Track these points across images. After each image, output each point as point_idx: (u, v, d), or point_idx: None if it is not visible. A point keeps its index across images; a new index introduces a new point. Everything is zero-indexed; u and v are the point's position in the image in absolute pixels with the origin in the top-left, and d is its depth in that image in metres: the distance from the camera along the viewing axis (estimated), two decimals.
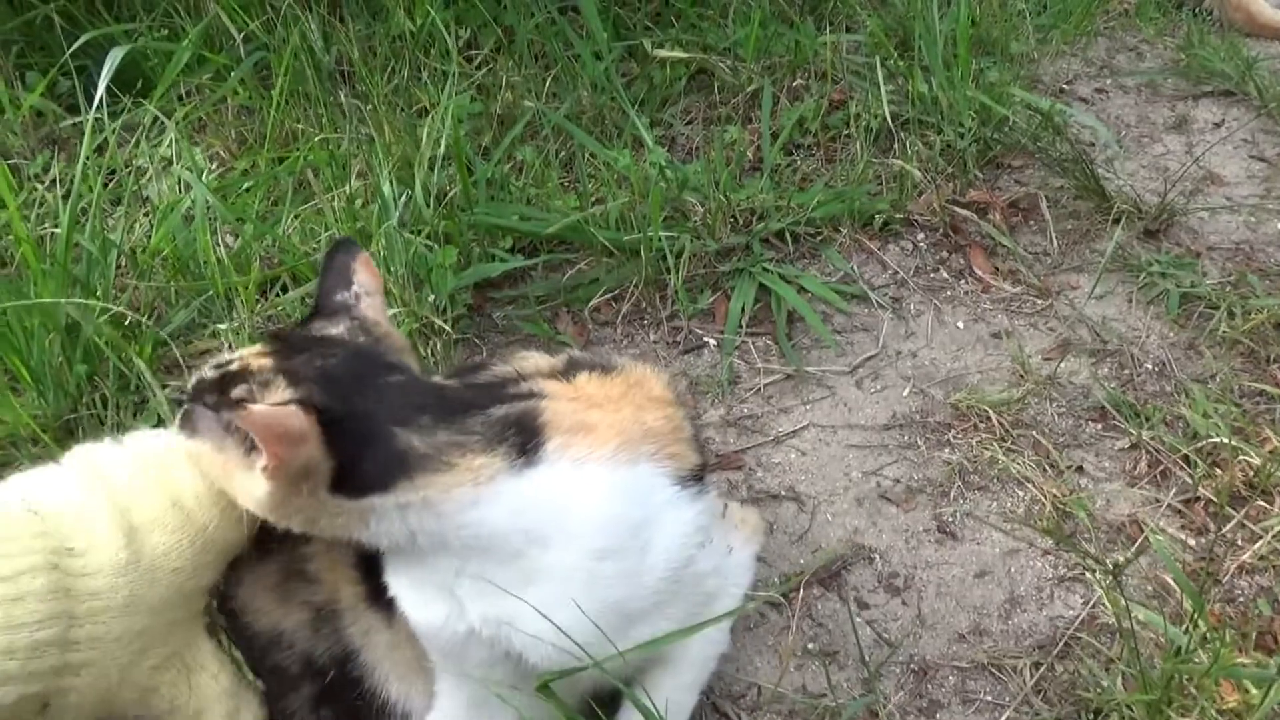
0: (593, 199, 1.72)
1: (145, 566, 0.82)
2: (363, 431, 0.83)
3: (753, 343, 1.60)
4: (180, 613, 0.86)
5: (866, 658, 1.17)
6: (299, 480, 0.80)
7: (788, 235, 1.77)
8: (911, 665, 1.17)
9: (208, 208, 1.50)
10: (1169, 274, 1.72)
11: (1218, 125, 2.23)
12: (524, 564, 0.85)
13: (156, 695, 0.86)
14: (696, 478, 0.95)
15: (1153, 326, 1.65)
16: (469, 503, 0.83)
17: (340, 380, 0.85)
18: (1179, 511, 1.34)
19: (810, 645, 1.19)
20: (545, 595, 0.84)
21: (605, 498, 0.87)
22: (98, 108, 1.62)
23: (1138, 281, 1.72)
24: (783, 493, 1.38)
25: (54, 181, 1.80)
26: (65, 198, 1.63)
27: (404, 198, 1.55)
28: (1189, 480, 1.36)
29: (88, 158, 1.56)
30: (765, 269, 1.68)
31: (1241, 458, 1.37)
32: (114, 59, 1.56)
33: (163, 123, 1.81)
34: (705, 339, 1.61)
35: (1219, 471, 1.36)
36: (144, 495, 0.86)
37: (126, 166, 1.75)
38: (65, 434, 1.30)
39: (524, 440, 0.86)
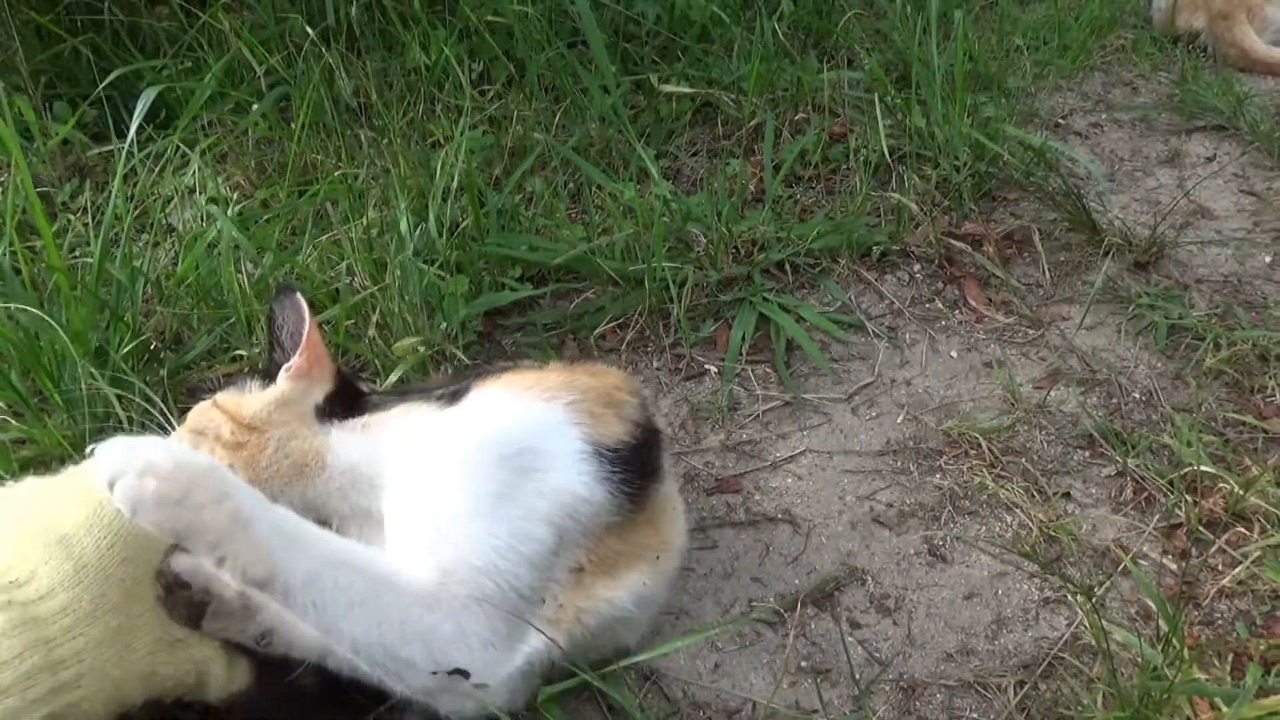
0: (599, 230, 1.78)
1: (94, 569, 0.81)
2: (351, 389, 1.13)
3: (752, 370, 1.66)
4: (149, 599, 0.86)
5: (858, 676, 1.21)
6: (309, 389, 1.07)
7: (788, 266, 1.83)
8: (901, 683, 1.22)
9: (232, 239, 1.56)
10: (1158, 306, 1.78)
11: (1209, 159, 2.29)
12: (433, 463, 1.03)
13: (157, 676, 0.87)
14: (625, 460, 1.03)
15: (1141, 357, 1.70)
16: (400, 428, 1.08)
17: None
18: (1162, 537, 1.38)
19: (804, 663, 1.24)
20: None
21: (500, 411, 1.05)
22: (124, 138, 1.70)
23: (1127, 313, 1.78)
24: (779, 516, 1.43)
25: (82, 209, 1.87)
26: (92, 225, 1.70)
27: (418, 229, 1.62)
28: (1171, 507, 1.41)
29: (114, 186, 1.64)
30: (765, 299, 1.75)
31: (1222, 485, 1.41)
32: (148, 98, 1.63)
33: (185, 152, 1.89)
34: (706, 366, 1.67)
35: (1197, 499, 1.41)
36: (54, 507, 0.87)
37: (152, 195, 1.82)
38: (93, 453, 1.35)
39: (454, 395, 1.09)
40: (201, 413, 1.09)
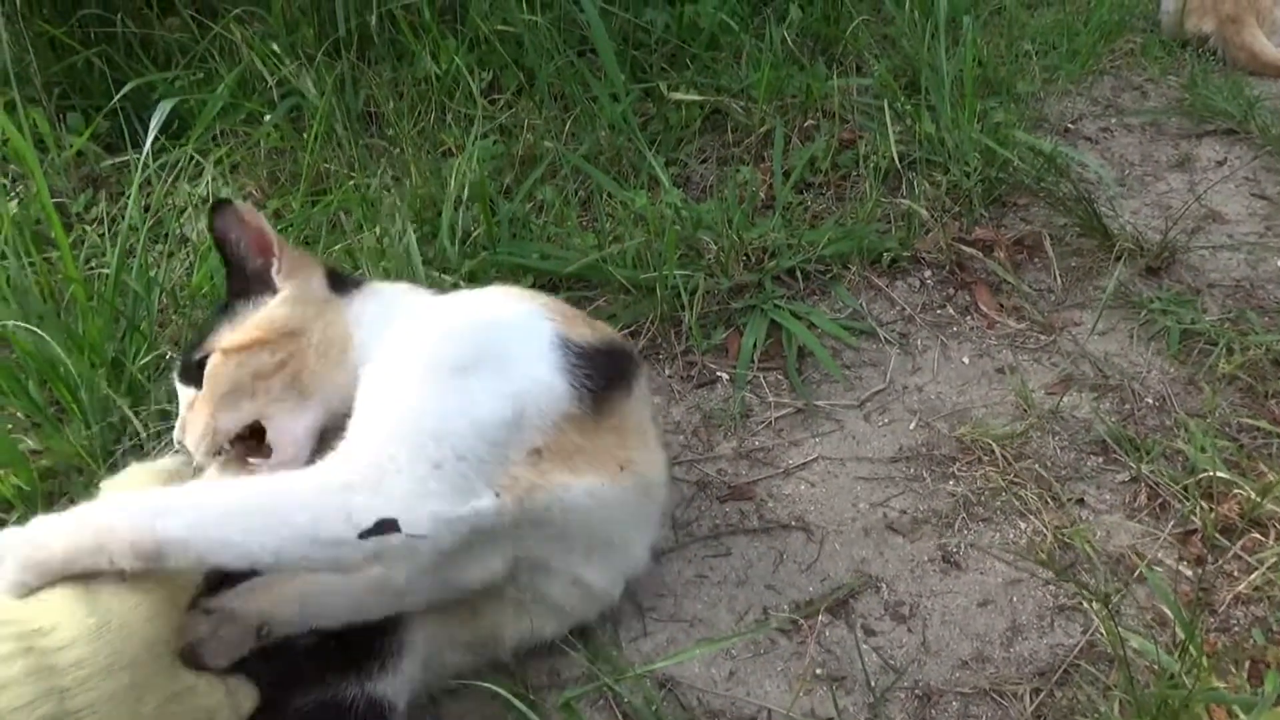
0: (610, 238, 1.79)
1: (116, 625, 0.82)
2: (339, 271, 1.19)
3: (764, 377, 1.66)
4: (165, 658, 0.87)
5: (873, 683, 1.21)
6: (308, 279, 1.11)
7: (798, 273, 1.83)
8: (916, 691, 1.22)
9: None
10: (1170, 311, 1.77)
11: (1220, 163, 2.28)
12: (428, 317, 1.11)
13: None
14: (589, 359, 1.07)
15: (1153, 362, 1.70)
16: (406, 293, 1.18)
17: None
18: (1177, 543, 1.38)
19: (819, 671, 1.23)
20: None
21: (482, 300, 1.14)
22: (138, 149, 1.72)
23: (1139, 318, 1.77)
24: (792, 523, 1.43)
25: (97, 220, 1.89)
26: (107, 236, 1.72)
27: (432, 238, 1.63)
28: (1186, 513, 1.41)
29: (130, 197, 1.65)
30: (776, 306, 1.75)
31: (1237, 491, 1.41)
32: (162, 111, 1.65)
33: (199, 162, 1.90)
34: (718, 373, 1.67)
35: (1213, 505, 1.40)
36: None
37: (166, 205, 1.84)
38: (110, 463, 1.36)
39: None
40: (217, 369, 1.05)
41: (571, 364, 1.06)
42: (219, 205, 1.13)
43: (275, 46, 2.05)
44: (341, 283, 1.16)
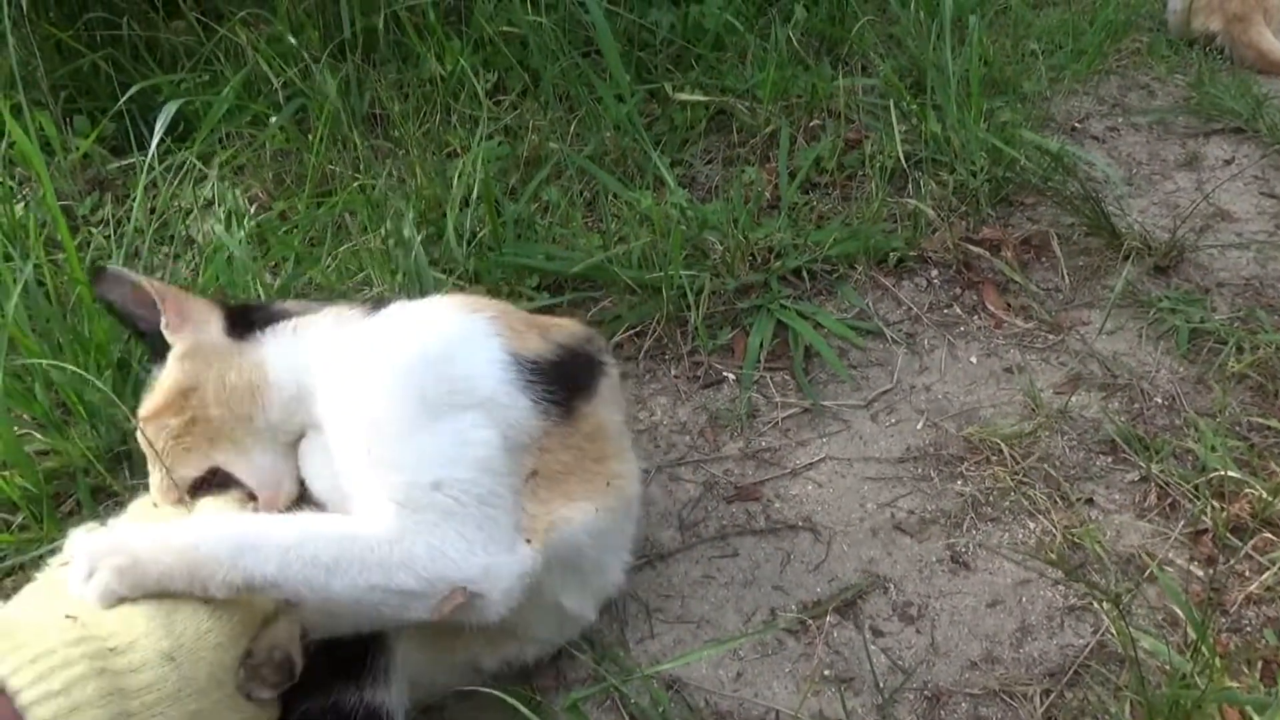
0: (616, 238, 1.78)
1: (188, 650, 0.84)
2: (247, 308, 1.14)
3: (771, 378, 1.65)
4: (228, 686, 0.88)
5: (881, 684, 1.20)
6: (200, 330, 1.08)
7: (805, 273, 1.83)
8: (925, 692, 1.21)
9: (249, 250, 1.57)
10: (1178, 310, 1.76)
11: (1228, 162, 2.27)
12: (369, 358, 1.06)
13: None
14: (544, 372, 1.05)
15: (1162, 361, 1.69)
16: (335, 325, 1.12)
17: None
18: (1187, 543, 1.37)
19: (827, 672, 1.23)
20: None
21: (423, 323, 1.08)
22: (143, 151, 1.72)
23: (1148, 317, 1.76)
24: (800, 523, 1.42)
25: (103, 222, 1.89)
26: (114, 238, 1.72)
27: (437, 239, 1.62)
28: (1196, 512, 1.40)
29: (136, 200, 1.65)
30: (783, 306, 1.74)
31: (1249, 490, 1.40)
32: (168, 113, 1.65)
33: (204, 164, 1.90)
34: (724, 374, 1.66)
35: (1224, 504, 1.39)
36: None
37: (172, 208, 1.84)
38: (115, 464, 1.36)
39: (378, 303, 1.14)
40: (145, 438, 1.07)
41: (527, 380, 1.04)
42: (96, 274, 1.14)
43: (292, 40, 2.04)
44: (247, 324, 1.11)
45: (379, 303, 1.14)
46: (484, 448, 1.00)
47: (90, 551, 0.85)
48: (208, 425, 1.05)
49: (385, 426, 1.00)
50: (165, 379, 1.07)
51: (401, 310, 1.11)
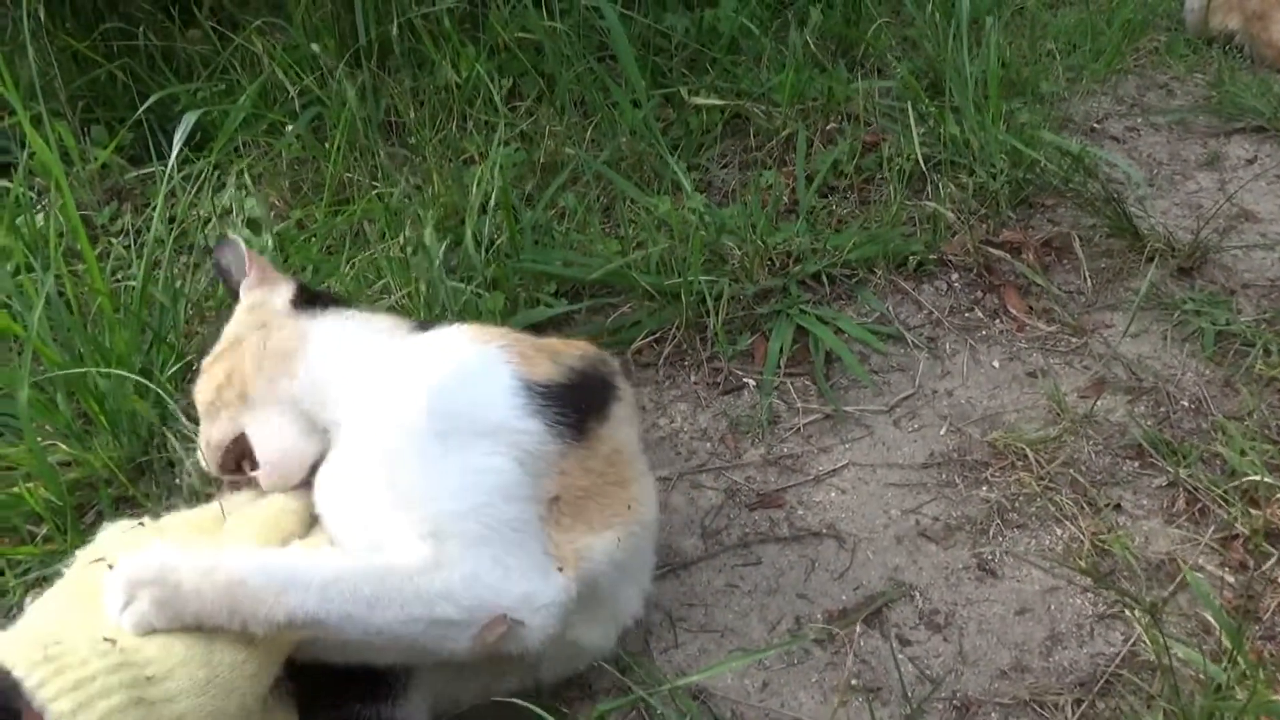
0: (634, 244, 1.77)
1: (222, 681, 0.84)
2: (318, 291, 1.25)
3: (791, 383, 1.64)
4: (256, 715, 0.88)
5: (909, 694, 1.19)
6: (269, 294, 1.19)
7: (824, 277, 1.81)
8: (954, 701, 1.19)
9: (269, 259, 1.57)
10: (1204, 312, 1.74)
11: (1250, 162, 2.25)
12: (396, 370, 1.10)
13: None
14: (557, 396, 1.06)
15: (1188, 364, 1.67)
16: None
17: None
18: (1217, 549, 1.35)
19: (854, 682, 1.22)
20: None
21: (442, 354, 1.10)
22: (161, 160, 1.72)
23: (1172, 319, 1.74)
24: (824, 531, 1.41)
25: (121, 232, 1.90)
26: (133, 248, 1.72)
27: (455, 246, 1.62)
28: (1227, 518, 1.38)
29: (156, 210, 1.65)
30: (802, 310, 1.73)
31: (1279, 495, 1.38)
32: (188, 123, 1.65)
33: (221, 173, 1.91)
34: (745, 380, 1.65)
35: (1254, 509, 1.37)
36: None
37: (190, 217, 1.84)
38: (137, 474, 1.36)
39: (424, 325, 1.19)
40: (198, 387, 1.15)
41: (539, 406, 1.04)
42: (221, 240, 1.28)
43: (315, 48, 2.04)
44: (312, 301, 1.19)
45: (426, 324, 1.19)
46: (500, 474, 1.00)
47: (130, 579, 0.84)
48: (242, 383, 1.09)
49: (403, 462, 1.00)
50: (227, 328, 1.17)
51: (428, 339, 1.14)
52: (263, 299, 1.19)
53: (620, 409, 1.15)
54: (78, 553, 0.97)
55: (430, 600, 0.92)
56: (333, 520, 1.04)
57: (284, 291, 1.20)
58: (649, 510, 1.17)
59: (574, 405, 1.07)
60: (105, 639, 0.81)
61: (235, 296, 1.24)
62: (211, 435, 1.12)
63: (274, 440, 1.08)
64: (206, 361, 1.16)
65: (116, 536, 0.99)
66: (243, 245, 1.23)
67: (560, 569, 1.01)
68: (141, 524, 1.00)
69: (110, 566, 0.88)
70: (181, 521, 1.04)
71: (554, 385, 1.07)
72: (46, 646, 0.77)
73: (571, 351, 1.15)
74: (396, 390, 1.05)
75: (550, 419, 1.04)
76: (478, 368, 1.08)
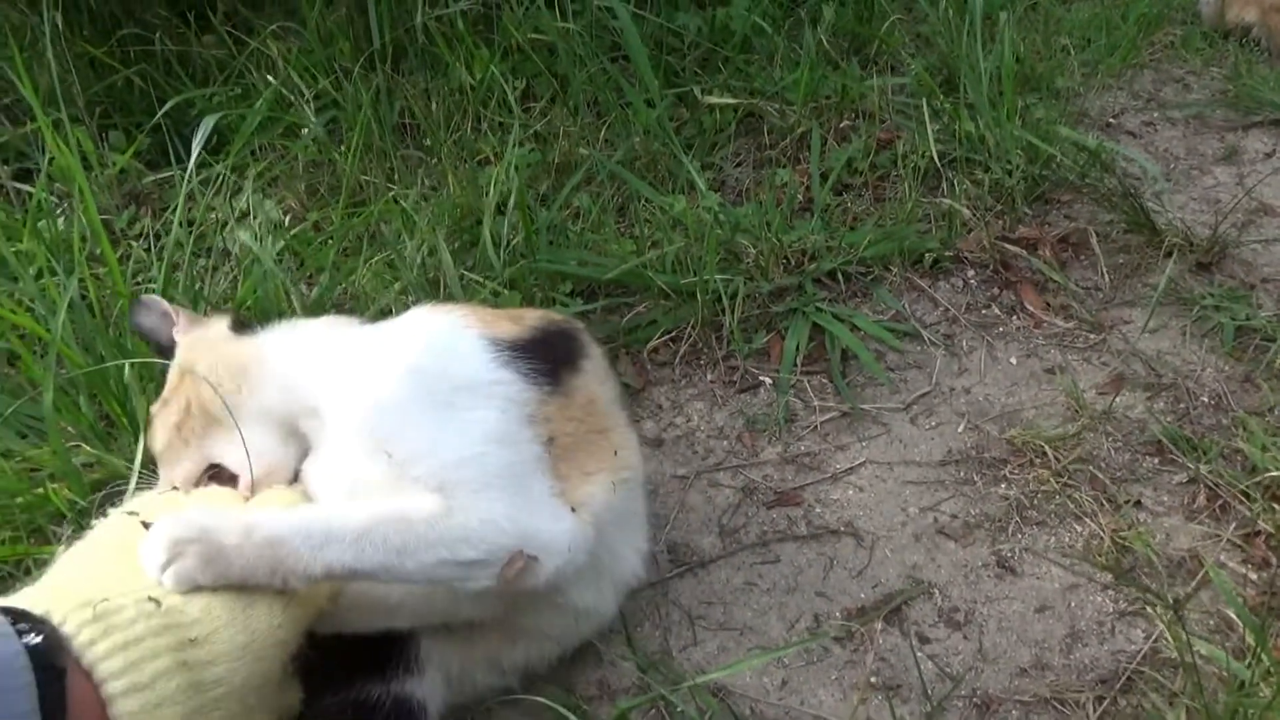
0: (649, 243, 1.77)
1: (258, 646, 0.84)
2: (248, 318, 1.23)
3: (808, 381, 1.64)
4: (274, 679, 0.89)
5: (930, 692, 1.19)
6: (205, 330, 1.18)
7: (839, 275, 1.81)
8: (974, 699, 1.19)
9: (284, 261, 1.58)
10: (1223, 307, 1.73)
11: (1269, 155, 2.23)
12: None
13: None
14: (524, 348, 1.10)
15: (1208, 360, 1.66)
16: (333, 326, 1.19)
17: None
18: (1239, 546, 1.34)
19: (873, 679, 1.22)
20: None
21: (410, 327, 1.14)
22: (180, 164, 1.73)
23: (1191, 315, 1.73)
24: (842, 528, 1.41)
25: (140, 235, 1.91)
26: (152, 251, 1.74)
27: (471, 246, 1.63)
28: (1248, 514, 1.37)
29: (174, 213, 1.66)
30: (818, 308, 1.73)
31: None
32: (206, 127, 1.66)
33: (238, 176, 1.92)
34: (761, 378, 1.65)
35: (1278, 506, 1.36)
36: None
37: (209, 220, 1.85)
38: (158, 475, 1.37)
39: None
40: (151, 433, 1.15)
41: (509, 357, 1.09)
42: (134, 303, 1.26)
43: (342, 51, 2.05)
44: (249, 325, 1.20)
45: (374, 317, 1.24)
46: (487, 423, 1.04)
47: (174, 537, 0.85)
48: (202, 410, 1.10)
49: (394, 431, 1.03)
50: (170, 374, 1.15)
51: (389, 324, 1.18)
52: (199, 334, 1.18)
53: (589, 364, 1.19)
54: (111, 510, 0.98)
55: (452, 543, 0.96)
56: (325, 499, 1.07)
57: (219, 323, 1.20)
58: (634, 457, 1.20)
59: (543, 357, 1.11)
60: (150, 598, 0.81)
61: (162, 352, 1.23)
62: (176, 476, 1.11)
63: (257, 456, 1.08)
64: (155, 408, 1.16)
65: (152, 497, 1.01)
66: (160, 300, 1.23)
67: (574, 510, 1.04)
68: (175, 488, 1.02)
69: (145, 525, 0.88)
70: (209, 494, 1.06)
71: (519, 340, 1.11)
72: (94, 604, 0.77)
73: (533, 314, 1.21)
74: (371, 371, 1.07)
75: (523, 370, 1.08)
76: (444, 334, 1.12)
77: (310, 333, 1.17)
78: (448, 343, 1.11)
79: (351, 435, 1.05)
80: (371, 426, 1.04)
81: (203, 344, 1.16)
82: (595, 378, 1.18)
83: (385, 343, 1.12)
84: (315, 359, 1.12)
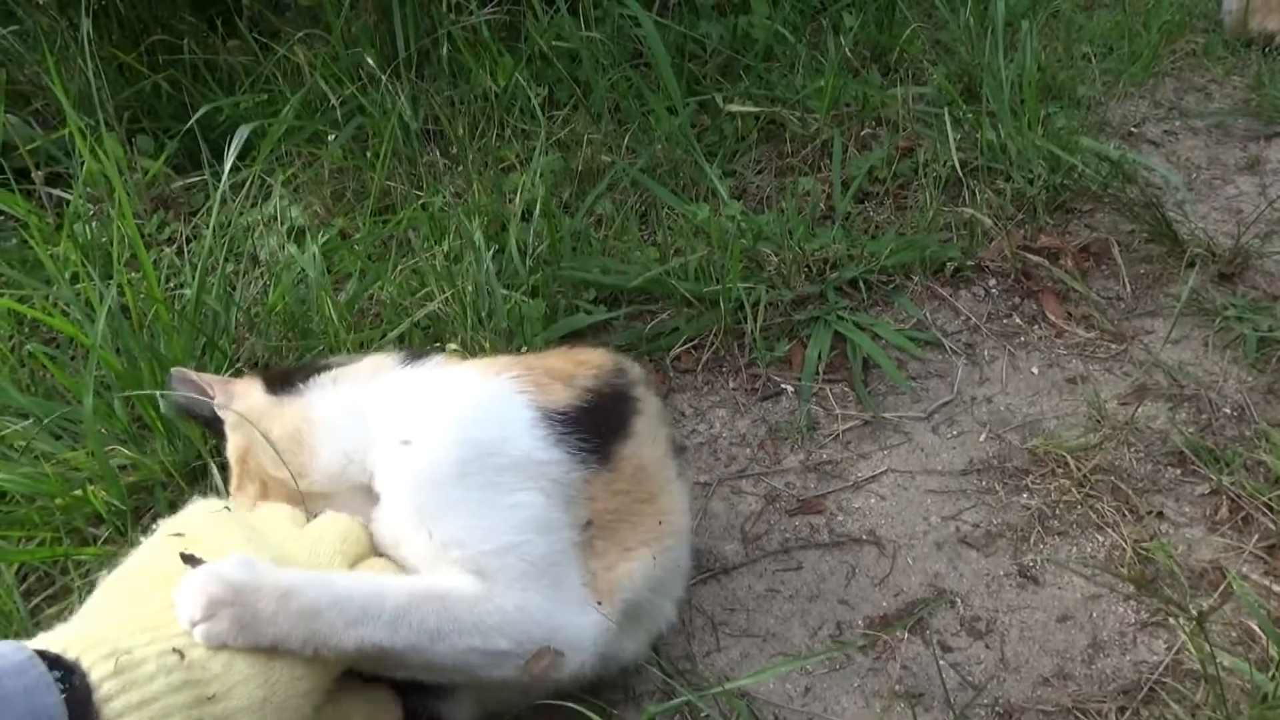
0: (672, 251, 1.79)
1: (279, 700, 0.85)
2: (282, 370, 1.23)
3: (830, 389, 1.65)
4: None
5: (952, 700, 1.20)
6: (244, 401, 1.14)
7: (861, 283, 1.82)
8: (996, 708, 1.20)
9: (318, 269, 1.60)
10: (1245, 317, 1.73)
11: None
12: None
13: None
14: (575, 422, 1.06)
15: (1230, 370, 1.66)
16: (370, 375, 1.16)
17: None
18: (1262, 557, 1.35)
19: (896, 688, 1.23)
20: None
21: (457, 393, 1.10)
22: (212, 169, 1.76)
23: (1213, 325, 1.74)
24: (864, 537, 1.42)
25: (169, 240, 1.94)
26: (185, 256, 1.76)
27: (498, 253, 1.64)
28: (1271, 526, 1.37)
29: (203, 219, 1.69)
30: (840, 317, 1.74)
31: None
32: (241, 135, 1.69)
33: (265, 181, 1.94)
34: (783, 386, 1.66)
35: None
36: None
37: (238, 225, 1.88)
38: (193, 479, 1.40)
39: (415, 357, 1.18)
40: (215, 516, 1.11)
41: (560, 434, 1.05)
42: (169, 378, 1.21)
43: (367, 59, 2.07)
44: (287, 382, 1.16)
45: (413, 354, 1.19)
46: (531, 508, 1.02)
47: (211, 597, 0.85)
48: (279, 486, 1.10)
49: (439, 507, 1.02)
50: (229, 452, 1.14)
51: (432, 378, 1.14)
52: (242, 408, 1.14)
53: (642, 422, 1.14)
54: (160, 522, 0.99)
55: (487, 632, 0.96)
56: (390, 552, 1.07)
57: (254, 388, 1.16)
58: (681, 520, 1.17)
59: (594, 430, 1.07)
60: (174, 650, 0.82)
61: (208, 426, 1.21)
62: None
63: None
64: (233, 490, 1.15)
65: (201, 516, 1.00)
66: (188, 372, 1.19)
67: (599, 602, 1.03)
68: (227, 508, 1.02)
69: (188, 558, 0.89)
70: (265, 514, 1.07)
71: (572, 410, 1.07)
72: (119, 655, 0.79)
73: (585, 372, 1.14)
74: (418, 438, 1.05)
75: (573, 446, 1.05)
76: (493, 403, 1.08)
77: (356, 388, 1.14)
78: (499, 414, 1.07)
79: (399, 505, 1.04)
80: (416, 504, 1.02)
81: (251, 418, 1.12)
82: (647, 438, 1.14)
83: (433, 405, 1.08)
84: (365, 419, 1.10)
